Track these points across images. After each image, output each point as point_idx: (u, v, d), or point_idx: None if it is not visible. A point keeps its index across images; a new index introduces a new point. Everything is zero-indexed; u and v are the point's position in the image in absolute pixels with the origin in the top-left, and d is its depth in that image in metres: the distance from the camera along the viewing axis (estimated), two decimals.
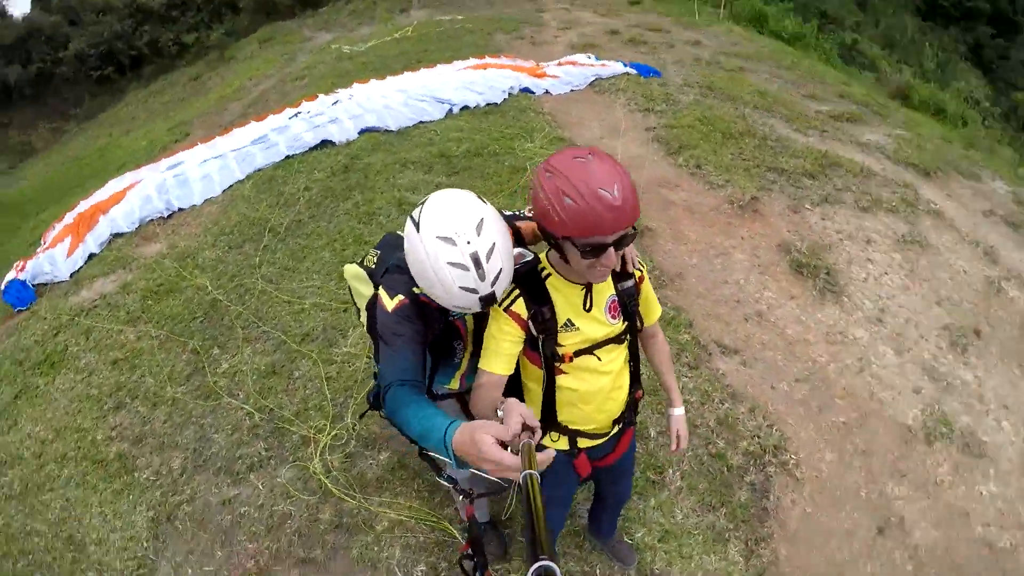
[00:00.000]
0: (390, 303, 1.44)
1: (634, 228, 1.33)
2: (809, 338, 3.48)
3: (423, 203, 1.36)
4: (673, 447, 1.86)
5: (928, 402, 3.14)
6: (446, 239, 1.28)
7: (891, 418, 3.02)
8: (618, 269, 1.53)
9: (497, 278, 1.33)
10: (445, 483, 1.57)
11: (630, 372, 1.71)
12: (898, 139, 6.06)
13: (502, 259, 1.33)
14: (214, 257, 5.14)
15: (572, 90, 7.13)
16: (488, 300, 1.35)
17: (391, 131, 6.68)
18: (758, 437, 2.89)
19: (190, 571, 2.70)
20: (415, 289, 1.44)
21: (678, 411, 1.87)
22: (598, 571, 2.42)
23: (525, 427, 1.09)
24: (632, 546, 2.48)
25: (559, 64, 7.97)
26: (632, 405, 1.76)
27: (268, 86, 11.93)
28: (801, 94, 7.32)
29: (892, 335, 3.49)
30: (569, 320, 1.49)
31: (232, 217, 5.77)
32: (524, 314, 1.46)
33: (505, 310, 1.46)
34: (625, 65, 7.57)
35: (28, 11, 27.07)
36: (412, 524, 2.65)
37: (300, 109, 8.07)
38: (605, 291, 1.53)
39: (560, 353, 1.51)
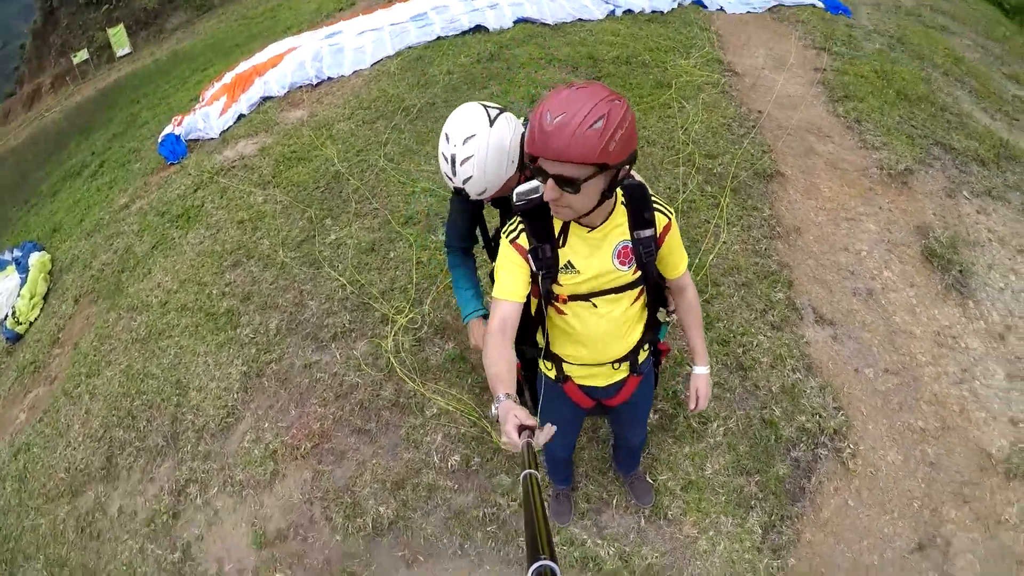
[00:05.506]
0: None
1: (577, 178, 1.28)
2: (916, 332, 3.14)
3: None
4: (691, 406, 1.80)
5: (1023, 438, 2.76)
6: (445, 136, 1.71)
7: (974, 441, 2.71)
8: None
9: (467, 181, 1.71)
10: None
11: (646, 323, 1.68)
12: None
13: (477, 170, 1.69)
14: (347, 130, 5.42)
15: (749, 11, 6.56)
16: (458, 191, 1.78)
17: (547, 24, 6.53)
18: (819, 416, 2.76)
19: (267, 424, 3.14)
20: None
21: (701, 370, 1.79)
22: (615, 501, 2.55)
23: (523, 428, 1.18)
24: (652, 486, 2.56)
25: None
26: (636, 353, 1.72)
27: None
28: (1003, 72, 6.15)
29: (1010, 357, 3.05)
30: (570, 262, 1.49)
31: (373, 92, 5.97)
32: (526, 246, 1.49)
33: (511, 242, 1.50)
34: None
35: None
36: (457, 415, 2.91)
37: None
38: (616, 236, 1.49)
39: (555, 292, 1.53)
